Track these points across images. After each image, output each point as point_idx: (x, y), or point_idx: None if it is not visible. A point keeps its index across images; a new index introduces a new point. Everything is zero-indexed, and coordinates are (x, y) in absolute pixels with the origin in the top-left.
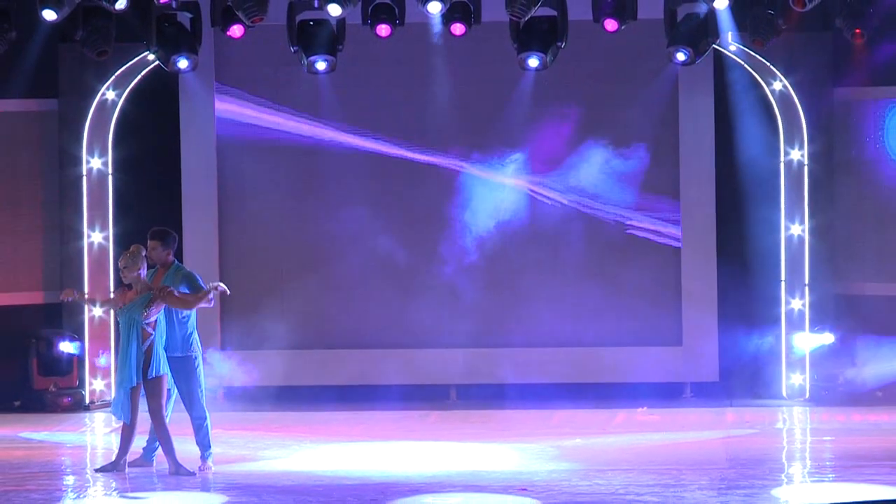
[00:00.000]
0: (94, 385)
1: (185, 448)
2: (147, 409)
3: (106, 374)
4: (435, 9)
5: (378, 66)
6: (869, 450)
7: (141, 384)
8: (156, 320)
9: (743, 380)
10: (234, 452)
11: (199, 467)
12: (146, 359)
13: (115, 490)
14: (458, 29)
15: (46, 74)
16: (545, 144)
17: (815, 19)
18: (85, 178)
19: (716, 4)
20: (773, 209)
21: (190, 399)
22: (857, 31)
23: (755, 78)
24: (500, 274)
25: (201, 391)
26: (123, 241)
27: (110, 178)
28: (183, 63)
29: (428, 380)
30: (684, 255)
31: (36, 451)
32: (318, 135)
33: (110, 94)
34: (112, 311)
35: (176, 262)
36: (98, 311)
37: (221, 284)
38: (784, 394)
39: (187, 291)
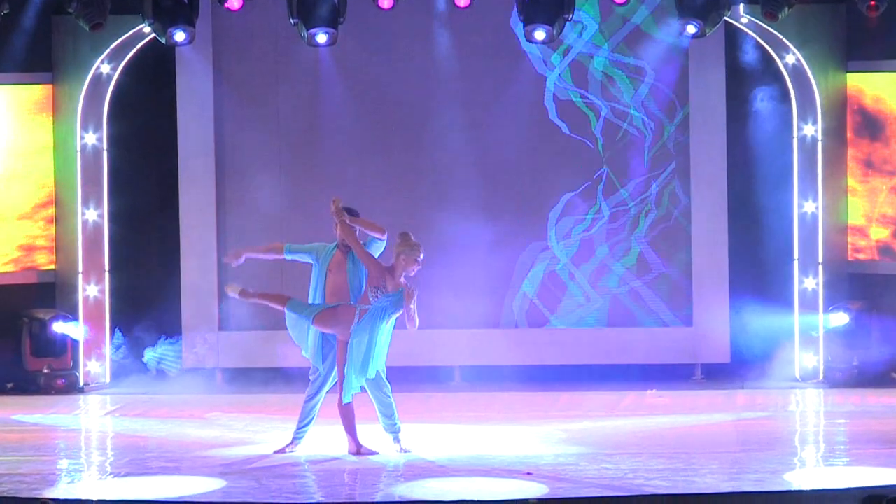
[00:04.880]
0: (89, 367)
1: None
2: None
3: (101, 356)
4: None
5: (380, 39)
6: (884, 433)
7: None
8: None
9: (755, 361)
10: (232, 436)
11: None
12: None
13: (109, 474)
14: (462, 0)
15: (40, 48)
16: (550, 121)
17: None
18: (79, 154)
19: None
20: (786, 186)
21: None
22: (872, 3)
23: (768, 51)
24: (506, 252)
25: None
26: (118, 219)
27: (105, 154)
28: (180, 36)
29: (431, 361)
30: (695, 233)
31: (29, 434)
32: (319, 109)
33: (105, 68)
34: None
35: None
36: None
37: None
38: (797, 376)
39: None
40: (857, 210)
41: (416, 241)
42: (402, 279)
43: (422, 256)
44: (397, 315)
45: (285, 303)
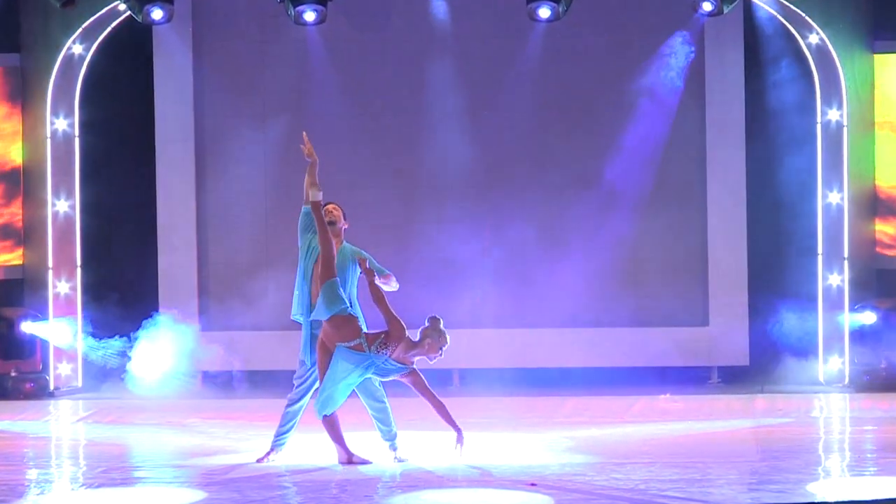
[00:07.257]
0: (60, 369)
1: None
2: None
3: (72, 358)
4: None
5: (372, 17)
6: None
7: None
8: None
9: (775, 364)
10: (213, 444)
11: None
12: None
13: (82, 485)
14: None
15: (7, 27)
16: (556, 106)
17: None
18: (49, 141)
19: None
20: (809, 175)
21: None
22: None
23: (789, 30)
24: (509, 248)
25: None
26: (91, 210)
27: (77, 140)
28: (157, 14)
29: (428, 363)
30: (711, 226)
31: None
32: (307, 92)
33: (77, 49)
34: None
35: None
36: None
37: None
38: (821, 379)
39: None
40: (885, 200)
41: (444, 329)
42: (415, 359)
43: (447, 346)
44: (371, 376)
45: (328, 276)
